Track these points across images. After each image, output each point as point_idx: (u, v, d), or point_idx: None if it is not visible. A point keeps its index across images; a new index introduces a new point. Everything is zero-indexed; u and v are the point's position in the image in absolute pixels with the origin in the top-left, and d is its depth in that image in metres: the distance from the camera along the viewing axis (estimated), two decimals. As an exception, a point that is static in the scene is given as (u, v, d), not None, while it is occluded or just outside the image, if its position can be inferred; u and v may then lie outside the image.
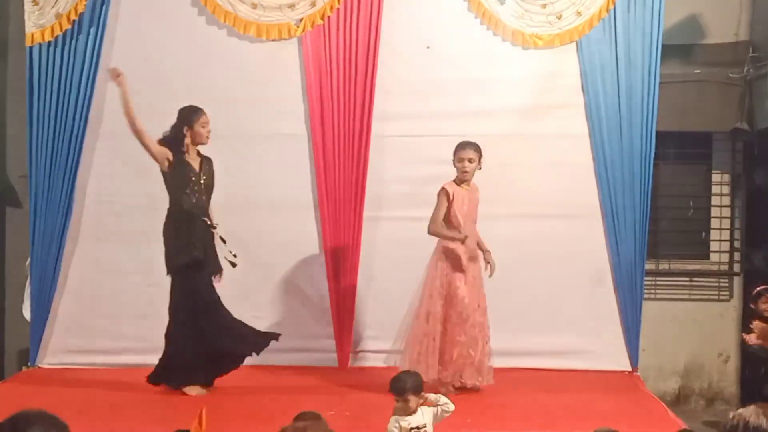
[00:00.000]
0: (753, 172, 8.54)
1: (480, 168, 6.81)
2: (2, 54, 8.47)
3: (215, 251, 6.81)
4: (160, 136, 6.72)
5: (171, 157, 6.66)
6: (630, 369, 7.67)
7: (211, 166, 6.89)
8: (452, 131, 7.29)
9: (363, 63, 7.66)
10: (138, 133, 6.61)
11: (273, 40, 7.71)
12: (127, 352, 7.62)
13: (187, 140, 6.71)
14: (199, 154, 6.84)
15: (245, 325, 6.93)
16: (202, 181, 6.77)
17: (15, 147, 8.32)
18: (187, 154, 6.72)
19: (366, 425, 5.88)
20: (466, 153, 6.77)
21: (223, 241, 6.79)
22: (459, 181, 6.82)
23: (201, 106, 6.78)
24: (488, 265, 6.76)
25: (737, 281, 8.62)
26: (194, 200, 6.70)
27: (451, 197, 6.71)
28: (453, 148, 6.81)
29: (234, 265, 6.80)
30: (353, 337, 7.81)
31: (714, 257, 8.66)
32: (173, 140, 6.70)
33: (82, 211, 7.81)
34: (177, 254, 6.67)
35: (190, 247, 6.65)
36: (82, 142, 7.68)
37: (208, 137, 6.78)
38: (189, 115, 6.74)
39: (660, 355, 8.44)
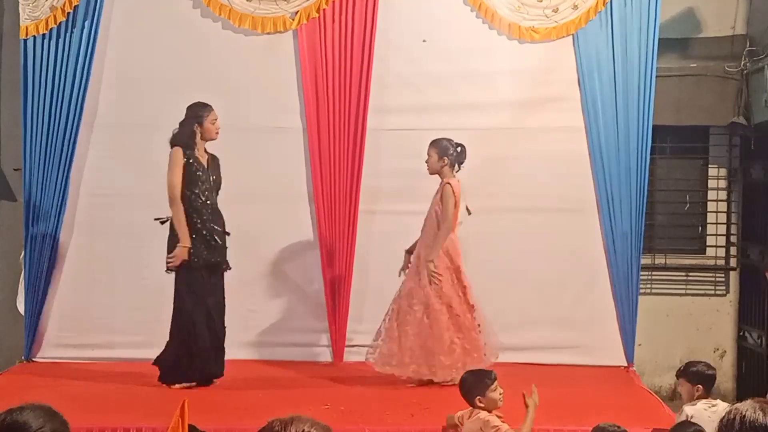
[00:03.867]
0: (749, 167, 8.54)
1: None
2: (-4, 46, 8.45)
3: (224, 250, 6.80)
4: (170, 136, 6.72)
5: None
6: (625, 364, 7.64)
7: (218, 163, 6.86)
8: (448, 125, 7.28)
9: (359, 56, 7.63)
10: None
11: (268, 33, 7.67)
12: (121, 345, 7.59)
13: (198, 137, 6.69)
14: (206, 151, 6.80)
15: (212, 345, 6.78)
16: (212, 179, 6.75)
17: (9, 140, 8.29)
18: (197, 151, 6.70)
19: (360, 419, 5.87)
20: None
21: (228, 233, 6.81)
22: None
23: (196, 100, 6.75)
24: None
25: (733, 276, 8.62)
26: (204, 199, 6.67)
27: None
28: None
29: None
30: (348, 332, 7.79)
31: (710, 252, 8.66)
32: (185, 137, 6.67)
33: (77, 204, 7.77)
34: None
35: (198, 248, 6.63)
36: (76, 135, 7.65)
37: (217, 133, 6.77)
38: (199, 112, 6.71)
39: (656, 350, 8.43)
